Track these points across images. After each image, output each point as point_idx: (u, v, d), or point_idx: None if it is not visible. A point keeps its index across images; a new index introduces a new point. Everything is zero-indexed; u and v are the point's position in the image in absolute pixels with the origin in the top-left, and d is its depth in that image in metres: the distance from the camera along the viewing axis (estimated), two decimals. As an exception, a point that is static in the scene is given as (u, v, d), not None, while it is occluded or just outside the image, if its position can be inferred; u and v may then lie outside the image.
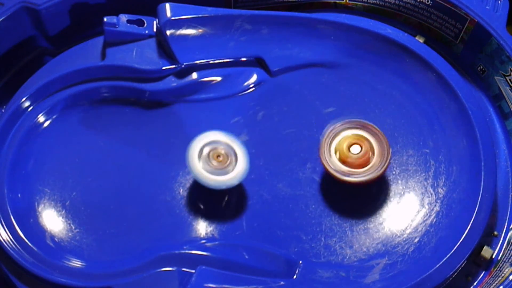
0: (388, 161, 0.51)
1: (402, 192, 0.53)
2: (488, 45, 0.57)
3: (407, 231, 0.52)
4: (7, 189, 0.51)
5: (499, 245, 0.53)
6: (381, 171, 0.51)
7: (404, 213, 0.52)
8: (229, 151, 0.51)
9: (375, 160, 0.51)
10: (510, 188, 0.55)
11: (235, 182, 0.51)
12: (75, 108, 0.55)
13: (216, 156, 0.51)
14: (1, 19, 0.56)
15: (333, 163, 0.51)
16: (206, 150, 0.51)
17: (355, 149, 0.51)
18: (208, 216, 0.52)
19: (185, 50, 0.55)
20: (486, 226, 0.51)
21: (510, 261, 0.51)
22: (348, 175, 0.51)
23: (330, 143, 0.52)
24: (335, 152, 0.51)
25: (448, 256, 0.49)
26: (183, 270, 0.49)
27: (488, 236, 0.53)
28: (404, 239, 0.51)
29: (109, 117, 0.55)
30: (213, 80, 0.56)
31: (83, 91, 0.54)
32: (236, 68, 0.56)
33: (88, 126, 0.54)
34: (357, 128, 0.52)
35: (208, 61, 0.56)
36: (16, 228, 0.50)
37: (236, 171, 0.51)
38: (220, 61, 0.56)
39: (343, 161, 0.51)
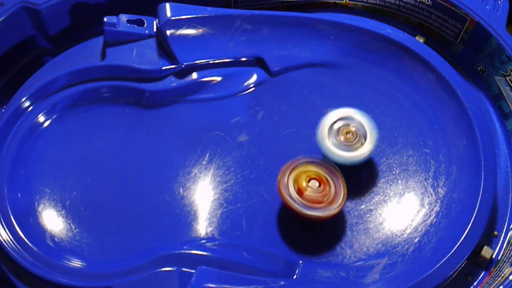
0: (344, 197, 0.50)
1: (402, 192, 0.53)
2: (488, 45, 0.57)
3: (407, 231, 0.52)
4: (7, 189, 0.51)
5: (499, 245, 0.53)
6: (339, 208, 0.50)
7: (404, 213, 0.52)
8: (360, 129, 0.51)
9: (332, 196, 0.50)
10: (510, 188, 0.55)
11: (360, 160, 0.51)
12: (75, 108, 0.55)
13: (346, 133, 0.51)
14: (1, 19, 0.56)
15: (294, 196, 0.50)
16: (337, 125, 0.51)
17: (314, 184, 0.50)
18: (208, 216, 0.52)
19: (185, 50, 0.55)
20: (486, 226, 0.51)
21: (510, 261, 0.51)
22: (309, 208, 0.49)
23: (288, 176, 0.50)
24: (294, 185, 0.50)
25: (448, 256, 0.49)
26: (183, 270, 0.49)
27: (488, 236, 0.53)
28: (404, 239, 0.51)
29: (109, 117, 0.55)
30: (213, 80, 0.56)
31: (83, 91, 0.55)
32: (236, 68, 0.56)
33: (88, 126, 0.54)
34: (313, 164, 0.51)
35: (208, 61, 0.56)
36: (16, 228, 0.50)
37: (364, 150, 0.51)
38: (220, 61, 0.56)
39: (301, 195, 0.50)
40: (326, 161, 0.51)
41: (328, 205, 0.50)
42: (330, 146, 0.51)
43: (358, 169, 0.53)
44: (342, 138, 0.51)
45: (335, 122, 0.51)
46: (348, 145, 0.51)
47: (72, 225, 0.51)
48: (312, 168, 0.50)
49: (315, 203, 0.49)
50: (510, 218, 0.54)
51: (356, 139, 0.51)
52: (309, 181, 0.50)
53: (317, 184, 0.50)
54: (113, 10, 0.57)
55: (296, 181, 0.50)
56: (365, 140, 0.51)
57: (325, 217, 0.49)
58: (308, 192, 0.49)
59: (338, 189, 0.50)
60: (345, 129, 0.51)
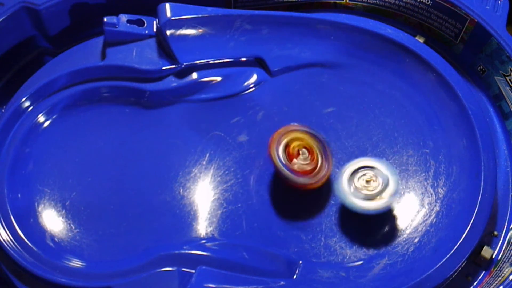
0: (330, 168, 0.51)
1: (402, 192, 0.53)
2: (488, 45, 0.57)
3: (407, 231, 0.52)
4: (7, 189, 0.51)
5: (499, 245, 0.53)
6: (327, 173, 0.51)
7: (404, 213, 0.52)
8: (380, 176, 0.50)
9: (320, 163, 0.51)
10: (510, 188, 0.55)
11: (383, 207, 0.50)
12: (75, 108, 0.55)
13: (366, 182, 0.50)
14: (1, 19, 0.56)
15: (284, 163, 0.50)
16: (356, 176, 0.51)
17: (304, 153, 0.51)
18: (208, 216, 0.52)
19: (185, 50, 0.55)
20: (486, 226, 0.51)
21: (510, 261, 0.51)
22: (298, 175, 0.50)
23: (279, 143, 0.51)
24: (284, 152, 0.51)
25: (448, 256, 0.49)
26: (183, 270, 0.49)
27: (488, 236, 0.53)
28: (404, 239, 0.51)
29: (109, 117, 0.55)
30: (213, 80, 0.56)
31: (83, 91, 0.55)
32: (236, 68, 0.56)
33: (88, 126, 0.54)
34: (304, 133, 0.51)
35: (208, 61, 0.56)
36: (16, 228, 0.50)
37: (385, 198, 0.50)
38: (220, 61, 0.56)
39: (291, 162, 0.51)
40: (315, 132, 0.51)
41: (315, 174, 0.50)
42: (356, 200, 0.50)
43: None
44: (363, 189, 0.50)
45: (352, 175, 0.51)
46: (371, 194, 0.50)
47: (72, 225, 0.51)
48: (303, 137, 0.51)
49: (303, 171, 0.50)
50: (510, 218, 0.54)
51: (377, 188, 0.50)
52: (299, 150, 0.51)
53: (307, 153, 0.51)
54: (113, 10, 0.57)
55: (286, 148, 0.51)
56: (386, 186, 0.50)
57: (311, 185, 0.50)
58: (298, 160, 0.50)
59: (325, 160, 0.51)
60: (365, 179, 0.51)
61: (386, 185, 0.50)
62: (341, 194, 0.50)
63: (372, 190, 0.50)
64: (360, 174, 0.51)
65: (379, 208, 0.50)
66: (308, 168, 0.51)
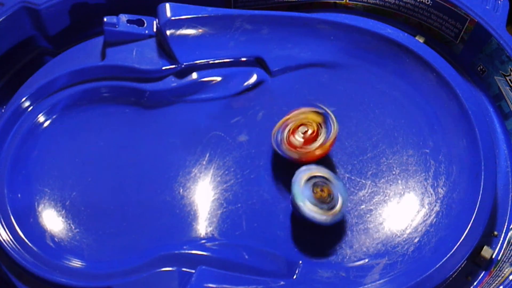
0: (333, 136, 0.51)
1: (402, 192, 0.53)
2: (488, 45, 0.57)
3: (407, 231, 0.52)
4: (7, 189, 0.51)
5: (499, 245, 0.53)
6: (326, 145, 0.51)
7: (404, 213, 0.52)
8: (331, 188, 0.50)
9: (321, 136, 0.51)
10: (510, 188, 0.55)
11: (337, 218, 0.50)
12: (75, 108, 0.55)
13: (320, 192, 0.50)
14: (1, 19, 0.56)
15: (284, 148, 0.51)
16: (309, 184, 0.50)
17: (302, 129, 0.51)
18: (208, 216, 0.52)
19: (185, 50, 0.55)
20: (486, 226, 0.51)
21: (510, 261, 0.51)
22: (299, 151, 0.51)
23: (283, 131, 0.52)
24: (286, 134, 0.52)
25: (448, 256, 0.49)
26: (183, 270, 0.49)
27: (488, 236, 0.54)
28: (404, 239, 0.51)
29: (109, 117, 0.55)
30: (213, 80, 0.56)
31: (83, 91, 0.55)
32: (236, 68, 0.56)
33: (88, 126, 0.54)
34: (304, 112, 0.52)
35: (208, 61, 0.56)
36: (16, 228, 0.50)
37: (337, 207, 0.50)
38: (220, 61, 0.56)
39: (289, 143, 0.51)
40: (316, 109, 0.52)
41: (309, 145, 0.51)
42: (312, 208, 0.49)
43: (358, 169, 0.54)
44: (317, 197, 0.50)
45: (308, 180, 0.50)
46: (325, 203, 0.50)
47: (72, 225, 0.51)
48: (303, 116, 0.52)
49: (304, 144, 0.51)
50: (510, 218, 0.54)
51: (330, 197, 0.50)
52: (298, 127, 0.51)
53: (305, 129, 0.51)
54: (113, 10, 0.57)
55: (288, 131, 0.52)
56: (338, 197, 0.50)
57: (303, 157, 0.51)
58: (295, 137, 0.51)
59: (321, 130, 0.51)
60: (318, 189, 0.50)
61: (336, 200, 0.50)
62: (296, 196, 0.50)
63: (324, 202, 0.50)
64: (315, 181, 0.50)
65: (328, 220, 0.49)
66: (307, 141, 0.51)
